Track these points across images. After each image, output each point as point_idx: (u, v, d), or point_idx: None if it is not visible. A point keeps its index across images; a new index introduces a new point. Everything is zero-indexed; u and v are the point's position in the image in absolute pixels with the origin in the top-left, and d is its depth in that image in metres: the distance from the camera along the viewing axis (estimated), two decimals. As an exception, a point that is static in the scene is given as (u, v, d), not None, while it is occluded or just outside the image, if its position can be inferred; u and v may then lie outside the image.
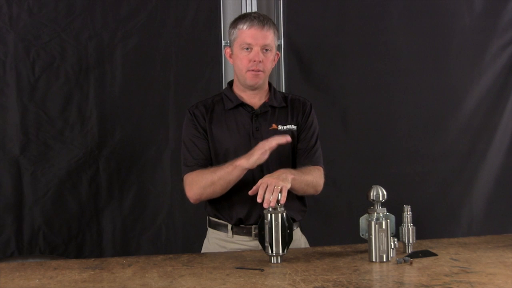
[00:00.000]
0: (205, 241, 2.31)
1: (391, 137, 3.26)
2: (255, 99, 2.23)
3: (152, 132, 3.06)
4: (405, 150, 3.28)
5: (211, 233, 2.27)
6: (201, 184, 2.11)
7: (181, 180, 2.20)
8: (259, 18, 2.14)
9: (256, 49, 2.13)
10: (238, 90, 2.24)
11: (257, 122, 2.18)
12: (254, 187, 1.96)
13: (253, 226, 2.15)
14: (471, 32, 3.32)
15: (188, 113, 2.23)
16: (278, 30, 2.21)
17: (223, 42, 3.12)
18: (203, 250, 2.31)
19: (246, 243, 2.18)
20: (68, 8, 2.96)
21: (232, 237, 2.19)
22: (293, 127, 2.22)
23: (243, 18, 2.18)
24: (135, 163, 3.04)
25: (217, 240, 2.23)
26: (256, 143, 2.14)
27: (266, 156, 2.01)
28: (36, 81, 2.94)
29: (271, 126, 2.19)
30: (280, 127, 2.20)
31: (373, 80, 3.24)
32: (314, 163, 2.21)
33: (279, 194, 1.89)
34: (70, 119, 2.97)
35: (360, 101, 3.24)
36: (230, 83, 2.29)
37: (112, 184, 3.02)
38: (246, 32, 2.13)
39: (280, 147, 2.17)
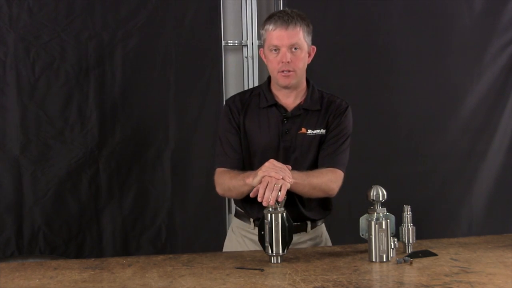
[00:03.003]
0: (229, 230, 2.37)
1: (391, 137, 3.26)
2: (290, 99, 2.21)
3: (152, 132, 3.06)
4: (405, 150, 3.27)
5: (235, 221, 2.32)
6: (222, 186, 2.17)
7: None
8: (283, 18, 2.11)
9: (284, 50, 2.11)
10: (274, 88, 2.23)
11: (288, 125, 2.17)
12: (254, 189, 1.97)
13: None
14: (471, 32, 3.31)
15: (226, 106, 2.26)
16: (309, 24, 2.18)
17: (223, 42, 3.12)
18: (227, 239, 2.37)
19: None
20: (68, 8, 2.96)
21: (254, 228, 2.22)
22: (322, 131, 2.19)
23: (269, 18, 2.17)
24: (135, 163, 3.04)
25: (241, 230, 2.28)
26: (284, 145, 2.16)
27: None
28: (36, 81, 2.94)
29: (300, 129, 2.18)
30: (309, 131, 2.18)
31: (373, 80, 3.24)
32: (333, 164, 2.17)
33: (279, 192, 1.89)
34: (70, 119, 2.97)
35: (360, 101, 3.23)
36: (269, 78, 2.26)
37: (112, 184, 3.01)
38: (272, 34, 2.12)
39: (304, 151, 2.17)
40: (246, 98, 2.25)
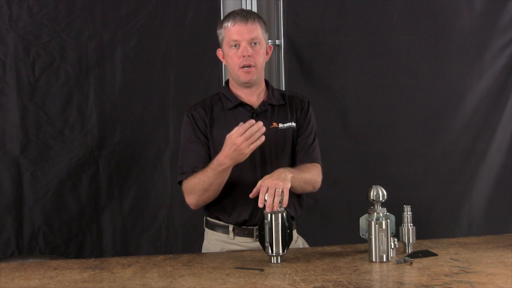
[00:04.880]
0: (205, 242, 2.28)
1: (391, 137, 3.26)
2: (253, 97, 2.21)
3: (152, 132, 3.06)
4: (405, 150, 3.27)
5: (210, 234, 2.24)
6: (195, 192, 2.10)
7: (180, 186, 2.19)
8: (242, 14, 2.14)
9: (244, 44, 2.12)
10: (235, 88, 2.23)
11: (258, 121, 2.17)
12: (255, 190, 1.94)
13: (255, 228, 2.12)
14: (471, 32, 3.31)
15: (187, 116, 2.20)
16: (265, 23, 2.21)
17: (223, 42, 3.12)
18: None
19: (247, 244, 2.16)
20: (68, 8, 2.96)
21: (233, 238, 2.17)
22: (293, 124, 2.21)
23: (227, 16, 2.19)
24: (135, 163, 3.04)
25: (217, 242, 2.21)
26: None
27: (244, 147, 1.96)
28: (36, 81, 2.94)
29: (272, 124, 2.18)
30: (280, 125, 2.19)
31: (373, 80, 3.24)
32: (312, 160, 2.20)
33: (281, 197, 1.88)
34: (70, 119, 2.97)
35: (360, 101, 3.24)
36: (227, 82, 2.28)
37: (112, 184, 3.01)
38: (231, 30, 2.14)
39: (280, 145, 2.17)
40: (207, 104, 2.22)
